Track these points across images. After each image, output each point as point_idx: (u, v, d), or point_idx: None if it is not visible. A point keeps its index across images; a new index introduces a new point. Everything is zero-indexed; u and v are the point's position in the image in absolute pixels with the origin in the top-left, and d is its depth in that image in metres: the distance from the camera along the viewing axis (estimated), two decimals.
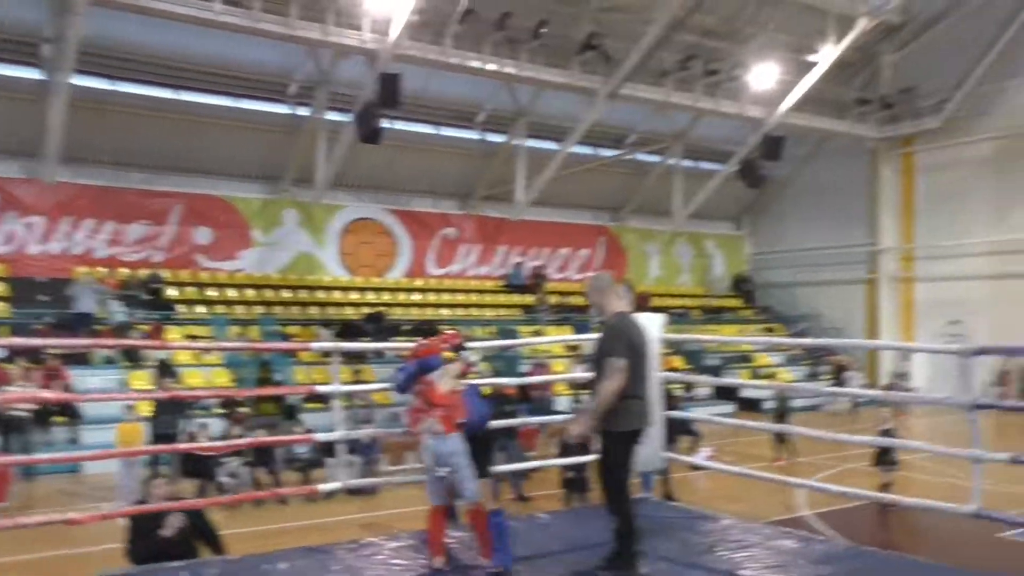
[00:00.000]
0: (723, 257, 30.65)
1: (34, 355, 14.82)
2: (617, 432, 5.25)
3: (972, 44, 23.97)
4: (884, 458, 11.23)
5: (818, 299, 28.11)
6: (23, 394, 12.08)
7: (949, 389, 6.90)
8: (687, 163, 27.44)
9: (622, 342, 5.24)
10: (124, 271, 19.49)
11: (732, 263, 30.77)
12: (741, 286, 29.89)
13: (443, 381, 5.43)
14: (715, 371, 22.45)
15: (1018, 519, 6.80)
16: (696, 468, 13.05)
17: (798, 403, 22.20)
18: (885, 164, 26.83)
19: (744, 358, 24.58)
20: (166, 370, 15.69)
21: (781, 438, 14.50)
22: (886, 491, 10.00)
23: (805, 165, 29.12)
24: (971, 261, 24.48)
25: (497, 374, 15.19)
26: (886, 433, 10.83)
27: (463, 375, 5.60)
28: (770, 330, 27.09)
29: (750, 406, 21.32)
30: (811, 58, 22.81)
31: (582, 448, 7.33)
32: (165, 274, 19.99)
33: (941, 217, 25.39)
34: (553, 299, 24.87)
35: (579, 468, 9.58)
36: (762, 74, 22.32)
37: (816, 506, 10.96)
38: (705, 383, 20.78)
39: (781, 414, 15.50)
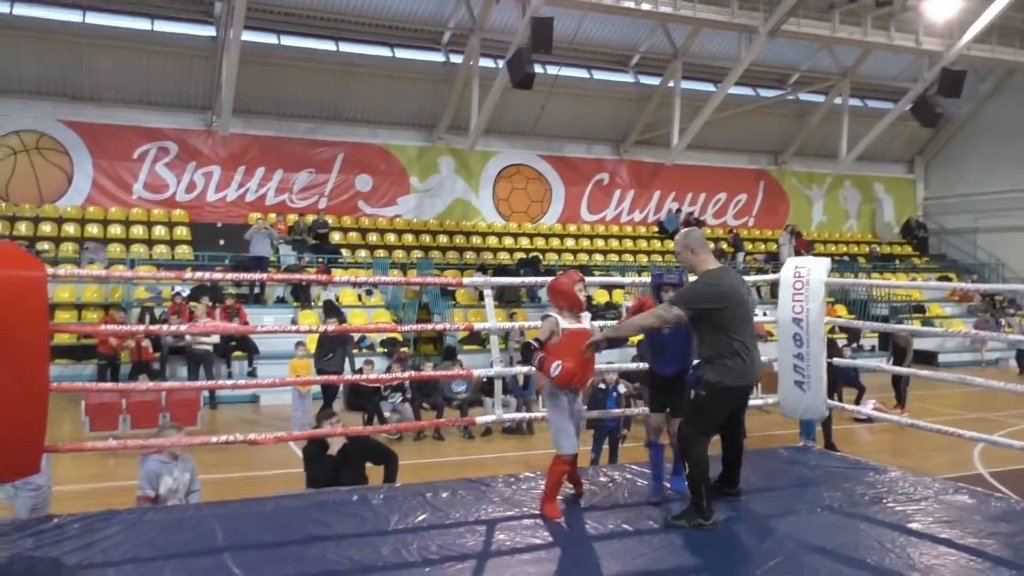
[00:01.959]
0: (893, 202, 28.91)
1: (215, 294, 15.96)
2: (713, 384, 4.96)
3: None
4: None
5: (1000, 247, 26.11)
6: (208, 326, 13.03)
7: None
8: (855, 102, 25.88)
9: (699, 295, 4.96)
10: (292, 217, 20.54)
11: (903, 208, 28.98)
12: (913, 232, 28.14)
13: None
14: (883, 321, 21.36)
15: None
16: (859, 420, 12.58)
17: (962, 357, 21.02)
18: None
19: (918, 308, 23.19)
20: (333, 310, 16.50)
21: (899, 390, 13.70)
22: None
23: (988, 102, 26.89)
24: None
25: None
26: None
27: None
28: (946, 279, 25.44)
29: (924, 359, 20.20)
30: None
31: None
32: (330, 220, 20.91)
33: None
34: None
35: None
36: (941, 2, 20.53)
37: (991, 464, 10.30)
38: (869, 328, 19.80)
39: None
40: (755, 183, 26.71)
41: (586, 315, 5.34)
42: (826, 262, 6.94)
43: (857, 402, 12.71)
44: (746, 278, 6.02)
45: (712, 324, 4.97)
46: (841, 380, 12.75)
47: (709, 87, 23.29)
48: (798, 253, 21.26)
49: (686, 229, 5.15)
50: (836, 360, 8.22)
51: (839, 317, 17.59)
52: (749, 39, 20.59)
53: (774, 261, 22.48)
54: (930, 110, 22.74)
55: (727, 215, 26.22)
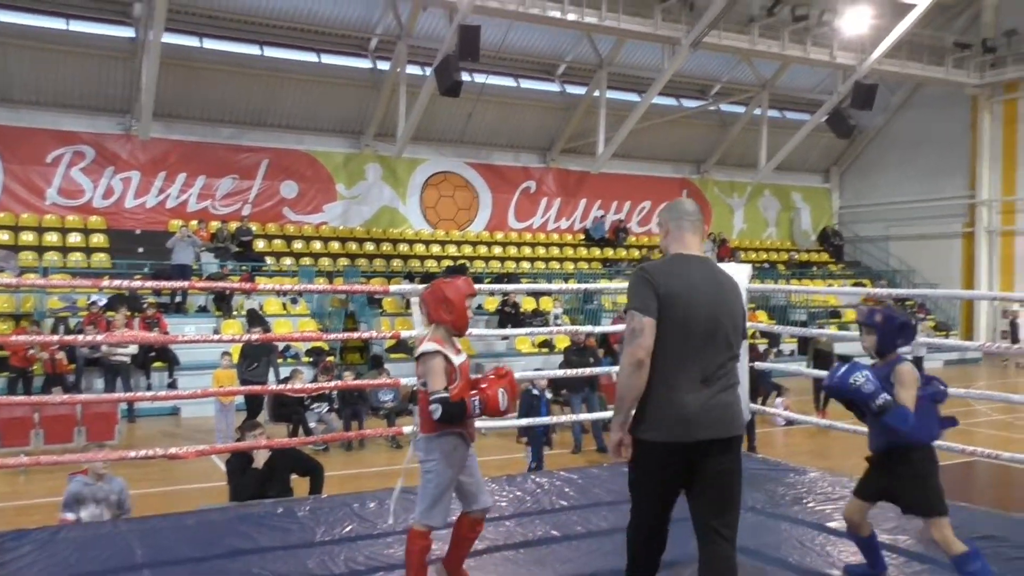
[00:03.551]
0: (810, 210, 29.83)
1: (134, 303, 15.51)
2: (634, 437, 3.41)
3: None
4: None
5: (911, 254, 27.18)
6: (126, 335, 12.64)
7: None
8: (773, 113, 26.65)
9: (631, 289, 3.39)
10: (215, 224, 20.11)
11: (819, 216, 29.92)
12: (829, 240, 29.08)
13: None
14: (801, 327, 21.98)
15: None
16: (780, 423, 12.93)
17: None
18: (985, 112, 25.53)
19: (833, 313, 23.97)
20: (257, 319, 16.21)
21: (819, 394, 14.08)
22: None
23: (898, 114, 28.01)
24: None
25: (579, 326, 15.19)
26: None
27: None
28: (860, 285, 26.32)
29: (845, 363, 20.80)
30: (907, 0, 21.72)
31: None
32: (254, 227, 20.53)
33: None
34: (635, 253, 24.70)
35: None
36: (854, 18, 21.31)
37: None
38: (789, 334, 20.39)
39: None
40: (679, 192, 27.18)
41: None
42: (747, 268, 7.12)
43: (764, 401, 12.93)
44: None
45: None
46: (763, 384, 13.12)
47: (634, 97, 23.67)
48: (721, 260, 21.74)
49: (673, 201, 3.76)
50: (758, 364, 8.43)
51: (760, 323, 18.07)
52: (672, 50, 21.02)
53: None
54: (844, 122, 23.61)
55: (651, 223, 26.65)
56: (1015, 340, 21.74)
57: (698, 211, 3.65)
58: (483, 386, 4.05)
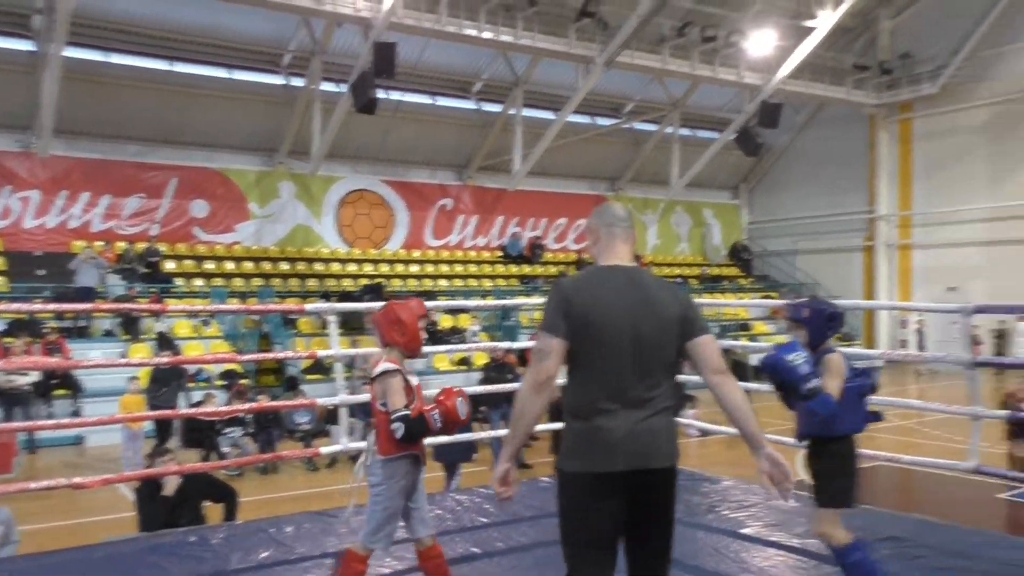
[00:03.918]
0: (720, 226, 30.63)
1: (34, 329, 14.85)
2: (560, 471, 3.10)
3: (969, 9, 23.88)
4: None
5: (816, 267, 28.17)
6: (25, 361, 12.11)
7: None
8: (684, 132, 27.34)
9: (559, 308, 3.05)
10: (121, 245, 19.45)
11: (730, 232, 30.76)
12: (739, 255, 29.91)
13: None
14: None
15: (1015, 474, 6.89)
16: (694, 435, 13.18)
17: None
18: (883, 131, 26.74)
19: (743, 326, 24.64)
20: (166, 343, 15.73)
21: None
22: None
23: (803, 133, 29.11)
24: (968, 227, 24.51)
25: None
26: None
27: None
28: (768, 298, 27.14)
29: (757, 374, 21.36)
30: (809, 23, 22.64)
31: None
32: (162, 247, 19.94)
33: (938, 184, 25.37)
34: (552, 269, 24.93)
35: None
36: (759, 40, 22.18)
37: None
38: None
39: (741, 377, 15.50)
40: (593, 208, 27.50)
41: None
42: None
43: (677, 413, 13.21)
44: None
45: (570, 362, 3.08)
46: (680, 397, 13.37)
47: (549, 115, 23.95)
48: None
49: (602, 205, 3.50)
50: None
51: None
52: (586, 69, 21.37)
53: None
54: (752, 140, 24.40)
55: (567, 239, 26.96)
56: (922, 348, 22.65)
57: (629, 216, 3.37)
58: (440, 398, 4.05)
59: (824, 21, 22.43)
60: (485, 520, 5.83)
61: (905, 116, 26.32)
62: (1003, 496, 8.79)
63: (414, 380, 4.12)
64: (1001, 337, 22.44)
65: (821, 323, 4.38)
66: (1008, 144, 23.65)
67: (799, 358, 4.05)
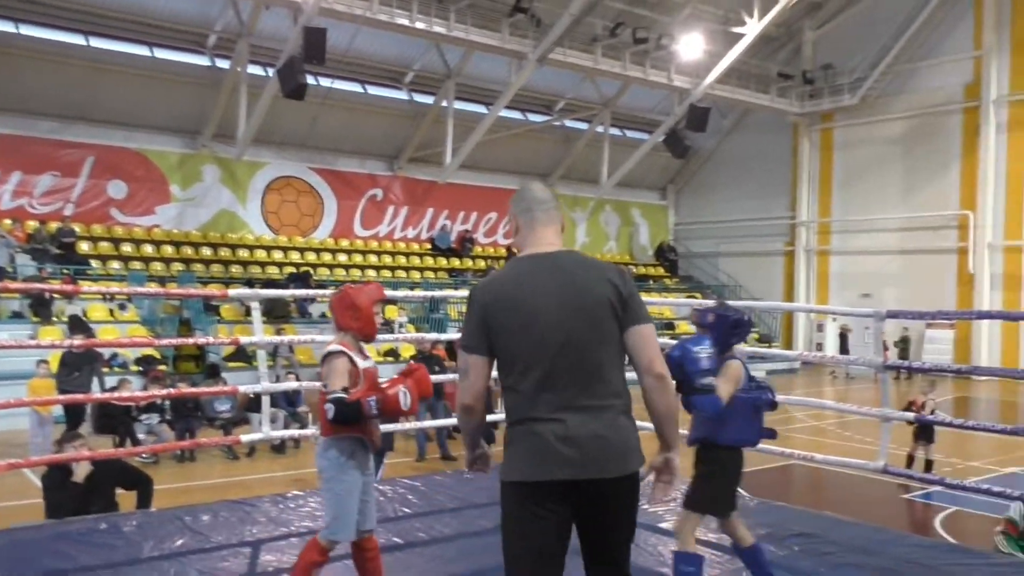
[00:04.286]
0: (648, 226, 31.10)
1: None
2: (501, 481, 2.85)
3: (889, 24, 24.72)
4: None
5: (739, 269, 28.84)
6: None
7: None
8: (615, 131, 27.65)
9: (475, 318, 2.87)
10: (33, 224, 18.69)
11: (657, 232, 31.25)
12: (665, 255, 30.40)
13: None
14: None
15: (921, 475, 7.19)
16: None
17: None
18: (805, 139, 27.51)
19: (668, 325, 25.06)
20: (79, 326, 15.17)
21: None
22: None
23: (729, 137, 29.73)
24: (882, 236, 25.43)
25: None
26: None
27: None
28: (692, 298, 27.66)
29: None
30: (737, 30, 23.14)
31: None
32: (77, 228, 19.23)
33: (855, 192, 26.23)
34: (481, 263, 24.93)
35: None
36: (689, 44, 22.57)
37: None
38: None
39: None
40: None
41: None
42: None
43: None
44: None
45: (501, 370, 2.88)
46: None
47: (481, 109, 23.93)
48: None
49: (521, 188, 3.18)
50: None
51: None
52: (519, 64, 21.42)
53: None
54: (680, 142, 24.83)
55: (497, 234, 27.00)
56: (845, 351, 23.31)
57: (552, 197, 3.07)
58: (383, 385, 3.97)
59: (751, 29, 22.94)
60: (408, 511, 5.81)
61: (826, 125, 27.12)
62: (906, 496, 9.14)
63: (367, 363, 4.03)
64: (905, 344, 23.36)
65: (726, 329, 4.45)
66: (921, 157, 24.59)
67: (703, 352, 4.07)
